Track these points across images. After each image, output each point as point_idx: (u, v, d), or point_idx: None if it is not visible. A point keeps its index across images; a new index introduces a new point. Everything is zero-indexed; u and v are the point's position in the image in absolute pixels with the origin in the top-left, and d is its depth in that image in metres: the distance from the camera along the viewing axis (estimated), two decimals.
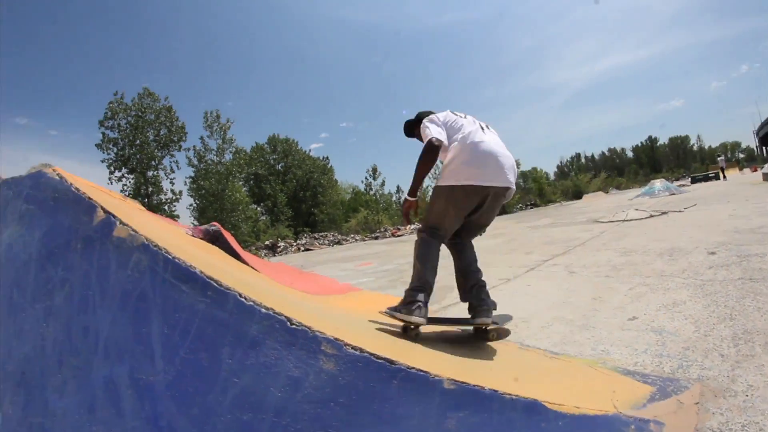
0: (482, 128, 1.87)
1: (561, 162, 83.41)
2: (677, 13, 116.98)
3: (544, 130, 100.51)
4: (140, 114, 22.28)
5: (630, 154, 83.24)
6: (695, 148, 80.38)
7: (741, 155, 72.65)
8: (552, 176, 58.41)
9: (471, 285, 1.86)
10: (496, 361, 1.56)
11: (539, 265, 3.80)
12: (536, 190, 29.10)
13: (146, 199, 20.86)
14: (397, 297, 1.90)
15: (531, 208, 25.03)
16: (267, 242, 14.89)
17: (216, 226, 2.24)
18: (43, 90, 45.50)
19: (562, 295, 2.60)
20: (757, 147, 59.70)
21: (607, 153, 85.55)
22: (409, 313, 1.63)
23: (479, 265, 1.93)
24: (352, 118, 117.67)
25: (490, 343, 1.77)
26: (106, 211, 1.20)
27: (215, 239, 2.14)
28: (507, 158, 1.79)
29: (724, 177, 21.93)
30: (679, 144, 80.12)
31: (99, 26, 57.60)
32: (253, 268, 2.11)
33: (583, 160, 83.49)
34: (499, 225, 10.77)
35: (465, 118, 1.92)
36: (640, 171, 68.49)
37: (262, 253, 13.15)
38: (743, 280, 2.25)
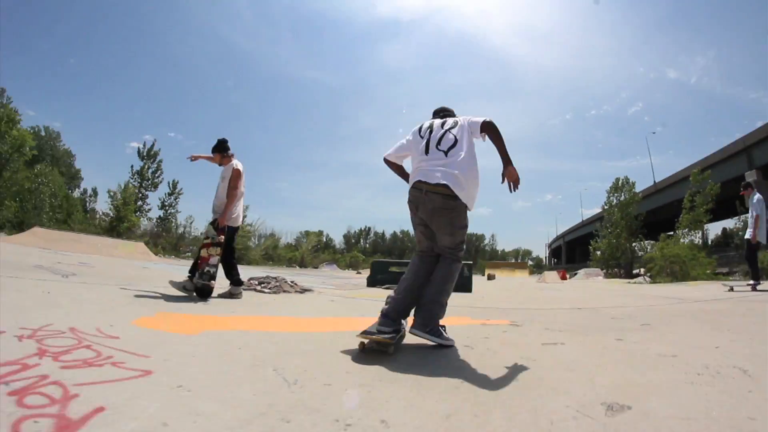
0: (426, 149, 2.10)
1: (348, 231, 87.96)
2: (512, 142, 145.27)
3: (356, 203, 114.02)
4: None
5: None
6: (487, 248, 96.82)
7: (530, 262, 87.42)
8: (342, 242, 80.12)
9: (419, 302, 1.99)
10: None
11: None
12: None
13: None
14: None
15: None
16: None
17: None
18: None
19: None
20: (546, 257, 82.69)
21: (399, 234, 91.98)
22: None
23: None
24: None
25: None
26: None
27: None
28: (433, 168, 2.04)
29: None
30: (474, 240, 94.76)
31: None
32: None
33: (372, 234, 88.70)
34: None
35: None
36: None
37: None
38: None
